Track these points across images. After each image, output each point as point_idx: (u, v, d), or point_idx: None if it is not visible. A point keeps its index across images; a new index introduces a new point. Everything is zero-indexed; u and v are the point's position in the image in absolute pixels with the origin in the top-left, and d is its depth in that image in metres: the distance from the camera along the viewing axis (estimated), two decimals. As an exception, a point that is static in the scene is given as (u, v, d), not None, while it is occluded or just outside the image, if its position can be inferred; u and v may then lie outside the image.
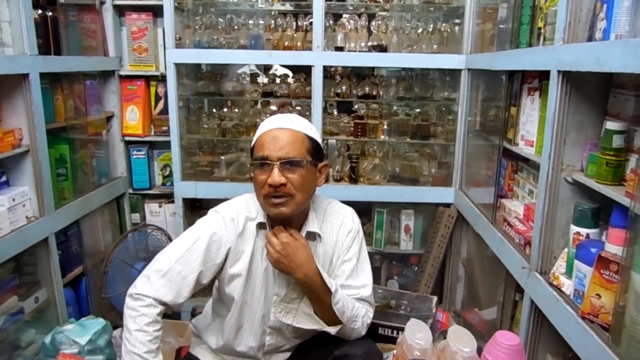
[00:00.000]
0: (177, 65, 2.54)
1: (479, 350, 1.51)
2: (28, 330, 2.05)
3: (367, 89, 2.68)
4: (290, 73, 2.89)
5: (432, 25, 2.62)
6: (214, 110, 2.90)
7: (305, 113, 2.66)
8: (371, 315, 1.59)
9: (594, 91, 1.45)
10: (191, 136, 2.77)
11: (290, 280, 1.50)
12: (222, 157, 2.80)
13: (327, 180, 1.57)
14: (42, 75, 2.03)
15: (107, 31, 2.69)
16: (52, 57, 2.16)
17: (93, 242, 2.62)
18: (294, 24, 2.65)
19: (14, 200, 1.93)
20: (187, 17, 2.69)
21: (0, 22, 1.86)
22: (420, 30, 2.63)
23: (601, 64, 1.18)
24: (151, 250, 2.58)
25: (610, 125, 1.30)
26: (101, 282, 2.41)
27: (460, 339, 1.45)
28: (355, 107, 2.81)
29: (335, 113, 2.91)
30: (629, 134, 1.30)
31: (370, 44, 2.61)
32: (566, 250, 1.47)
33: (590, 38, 1.36)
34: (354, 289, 1.55)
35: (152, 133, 2.88)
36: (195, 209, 2.86)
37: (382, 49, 2.58)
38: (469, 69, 2.49)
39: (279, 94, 2.73)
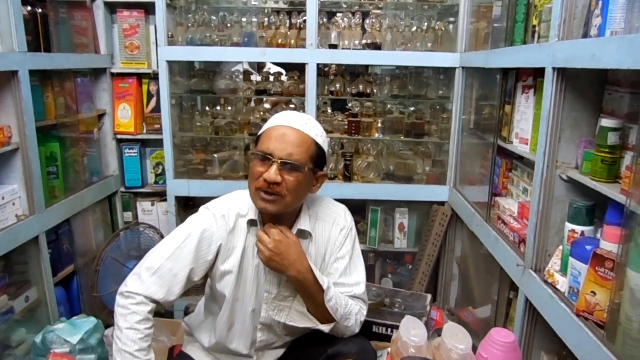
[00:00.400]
0: (170, 62, 2.52)
1: (473, 349, 1.50)
2: (18, 330, 2.04)
3: (361, 87, 2.68)
4: (283, 71, 2.87)
5: (426, 24, 2.62)
6: (207, 108, 2.88)
7: (299, 111, 2.64)
8: (365, 312, 1.58)
9: (589, 88, 1.44)
10: (184, 134, 2.75)
11: (282, 278, 1.49)
12: (215, 155, 2.78)
13: None
14: (32, 73, 2.01)
15: (98, 28, 2.67)
16: (41, 54, 2.13)
17: (84, 240, 2.59)
18: (288, 21, 2.63)
19: (3, 198, 1.91)
20: (179, 14, 2.67)
21: (-12, 18, 1.84)
22: (414, 29, 2.62)
23: (597, 60, 1.18)
24: (143, 248, 2.56)
25: (605, 122, 1.30)
26: (92, 281, 2.39)
27: (455, 336, 1.44)
28: (349, 105, 2.80)
29: (329, 111, 2.90)
30: (623, 131, 1.30)
31: (364, 41, 2.60)
32: (561, 247, 1.47)
33: (585, 35, 1.35)
34: (347, 286, 1.54)
35: (144, 131, 2.86)
36: (188, 207, 2.84)
37: (376, 46, 2.57)
38: (463, 67, 2.49)
39: (272, 92, 2.72)
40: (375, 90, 2.72)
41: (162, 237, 2.61)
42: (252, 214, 1.50)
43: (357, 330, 1.55)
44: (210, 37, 2.61)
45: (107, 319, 2.25)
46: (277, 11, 2.66)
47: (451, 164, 2.62)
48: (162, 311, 1.46)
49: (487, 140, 2.17)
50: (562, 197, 1.50)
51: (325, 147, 1.49)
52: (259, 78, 2.87)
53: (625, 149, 1.30)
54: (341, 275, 1.55)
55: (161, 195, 2.86)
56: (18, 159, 1.99)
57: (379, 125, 2.72)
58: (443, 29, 2.62)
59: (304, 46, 2.49)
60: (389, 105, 2.86)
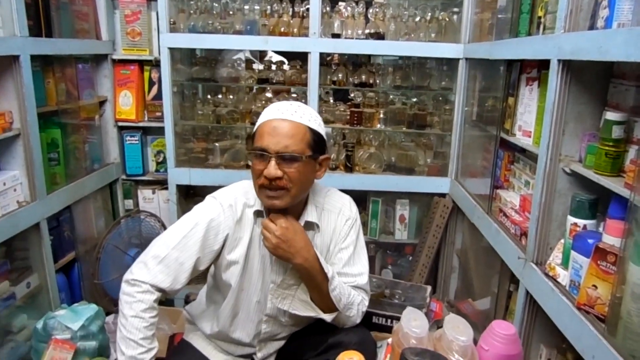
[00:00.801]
0: (172, 50, 2.50)
1: (474, 341, 1.51)
2: (20, 316, 2.04)
3: (363, 77, 2.67)
4: (285, 60, 2.85)
5: (430, 14, 2.60)
6: (209, 96, 2.87)
7: (301, 100, 2.63)
8: (367, 303, 1.59)
9: (594, 81, 1.43)
10: (185, 122, 2.74)
11: (288, 268, 1.49)
12: (217, 144, 2.78)
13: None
14: (33, 58, 1.99)
15: (100, 14, 2.64)
16: (43, 39, 2.11)
17: (85, 228, 2.59)
18: (290, 9, 2.61)
19: (4, 184, 1.90)
20: (181, 0, 2.65)
21: (-11, 3, 1.82)
22: (418, 19, 2.60)
23: (603, 52, 1.16)
24: (144, 236, 2.56)
25: (610, 115, 1.29)
26: (94, 268, 2.40)
27: (456, 327, 1.44)
28: (352, 95, 2.79)
29: (331, 101, 2.89)
30: (628, 124, 1.29)
31: (367, 31, 2.58)
32: (562, 241, 1.47)
33: (592, 27, 1.34)
34: (350, 276, 1.55)
35: (146, 119, 2.84)
36: (189, 195, 2.84)
37: (379, 36, 2.55)
38: (466, 59, 2.47)
39: (274, 81, 2.70)
40: (377, 81, 2.70)
41: (163, 225, 2.61)
42: (259, 205, 1.49)
43: (358, 320, 1.56)
44: (213, 24, 2.59)
45: (108, 306, 2.26)
46: (280, -1, 2.64)
47: (453, 156, 2.61)
48: (163, 299, 1.46)
49: (489, 133, 2.16)
50: (564, 191, 1.50)
51: (321, 130, 1.46)
52: (261, 67, 2.85)
53: (630, 142, 1.29)
54: (345, 265, 1.55)
55: (162, 184, 2.86)
56: (19, 145, 1.98)
57: (381, 116, 2.71)
58: (447, 19, 2.60)
59: (306, 35, 2.47)
60: (391, 96, 2.84)
